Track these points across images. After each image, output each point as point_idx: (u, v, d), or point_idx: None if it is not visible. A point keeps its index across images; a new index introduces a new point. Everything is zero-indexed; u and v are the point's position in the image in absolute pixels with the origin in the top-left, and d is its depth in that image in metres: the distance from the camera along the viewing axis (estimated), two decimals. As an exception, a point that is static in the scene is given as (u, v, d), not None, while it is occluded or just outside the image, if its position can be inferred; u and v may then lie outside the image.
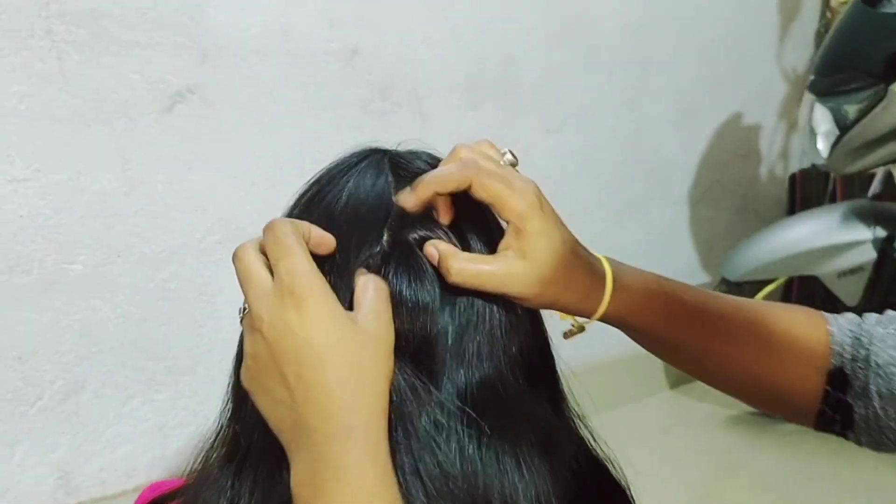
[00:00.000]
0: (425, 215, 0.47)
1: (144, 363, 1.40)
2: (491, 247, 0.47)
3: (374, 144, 0.53)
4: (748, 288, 1.82)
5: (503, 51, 1.76)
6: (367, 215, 0.47)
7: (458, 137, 1.69)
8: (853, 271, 1.74)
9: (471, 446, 0.43)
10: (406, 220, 0.47)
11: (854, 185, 2.10)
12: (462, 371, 0.45)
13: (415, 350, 0.44)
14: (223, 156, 1.41)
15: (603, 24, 1.90)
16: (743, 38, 2.21)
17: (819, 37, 2.34)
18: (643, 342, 0.54)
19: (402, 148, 0.53)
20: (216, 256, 1.44)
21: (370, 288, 0.43)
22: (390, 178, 0.49)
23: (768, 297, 1.88)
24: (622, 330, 0.53)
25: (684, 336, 0.53)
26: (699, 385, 0.60)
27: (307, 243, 0.43)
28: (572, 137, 1.92)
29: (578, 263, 0.47)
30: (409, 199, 0.46)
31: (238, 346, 0.46)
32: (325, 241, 0.45)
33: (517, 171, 0.49)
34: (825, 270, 1.75)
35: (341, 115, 1.53)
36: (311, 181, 0.51)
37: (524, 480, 0.44)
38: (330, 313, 0.40)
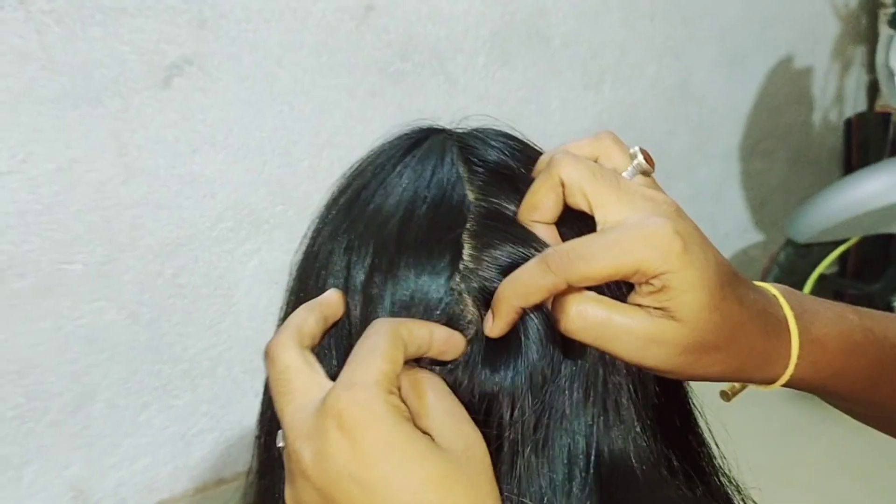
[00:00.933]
0: (519, 230, 0.33)
1: (159, 367, 1.35)
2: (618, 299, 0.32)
3: (427, 122, 0.39)
4: (817, 250, 1.66)
5: (532, 1, 1.63)
6: (438, 226, 0.33)
7: (487, 99, 1.52)
8: (940, 228, 1.58)
9: None
10: (490, 234, 0.33)
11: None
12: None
13: (515, 449, 0.32)
14: (230, 133, 1.32)
15: (640, -35, 1.74)
16: (791, -28, 2.04)
17: (872, -34, 2.16)
18: (840, 407, 0.40)
19: (465, 126, 0.39)
20: (230, 246, 1.36)
21: (427, 388, 0.30)
22: (461, 171, 0.35)
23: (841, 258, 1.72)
24: (810, 392, 0.38)
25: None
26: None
27: (429, 349, 0.31)
28: (611, 92, 1.81)
29: (748, 317, 0.32)
30: (491, 327, 0.32)
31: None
32: (454, 343, 0.32)
33: (653, 181, 0.34)
34: (907, 227, 1.59)
35: (357, 79, 1.43)
36: (351, 173, 0.37)
37: None
38: (401, 438, 0.27)
